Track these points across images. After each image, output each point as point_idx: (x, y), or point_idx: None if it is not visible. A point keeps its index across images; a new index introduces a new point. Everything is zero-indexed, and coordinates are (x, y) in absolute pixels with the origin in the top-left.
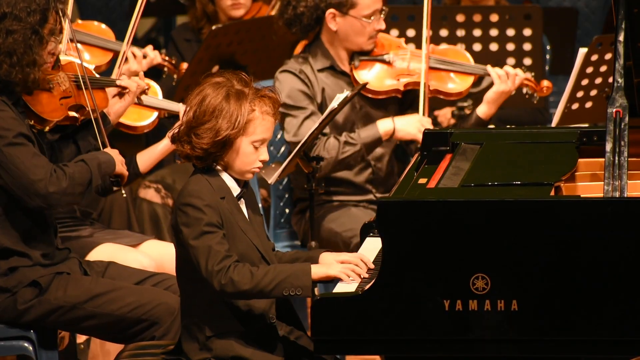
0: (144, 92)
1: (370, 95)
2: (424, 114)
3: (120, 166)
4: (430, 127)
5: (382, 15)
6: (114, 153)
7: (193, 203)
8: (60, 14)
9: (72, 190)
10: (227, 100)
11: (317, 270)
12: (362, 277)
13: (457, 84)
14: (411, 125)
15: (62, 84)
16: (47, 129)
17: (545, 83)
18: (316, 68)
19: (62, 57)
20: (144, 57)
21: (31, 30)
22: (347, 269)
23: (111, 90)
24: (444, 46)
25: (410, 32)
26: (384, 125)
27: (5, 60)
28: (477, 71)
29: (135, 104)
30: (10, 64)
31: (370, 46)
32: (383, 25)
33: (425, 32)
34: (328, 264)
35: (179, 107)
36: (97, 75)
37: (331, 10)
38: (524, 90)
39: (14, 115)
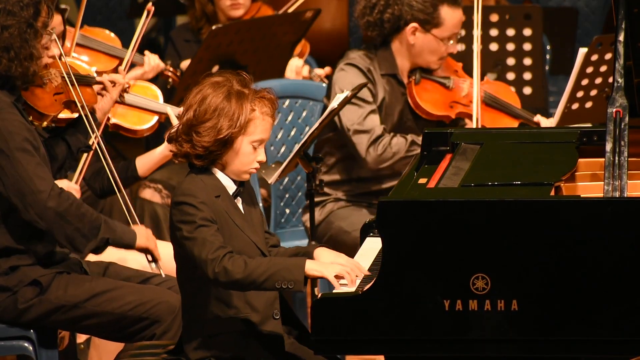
0: (125, 90)
1: (421, 115)
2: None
3: (145, 241)
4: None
5: (457, 38)
6: (140, 228)
7: (187, 201)
8: (52, 7)
9: (71, 219)
10: (228, 100)
11: (312, 267)
12: (356, 281)
13: (501, 125)
14: (322, 266)
15: (53, 80)
16: (44, 124)
17: None
18: (380, 72)
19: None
20: (145, 61)
21: (26, 24)
22: (342, 272)
23: (96, 88)
24: (495, 82)
25: None
26: None
27: (4, 55)
28: (527, 118)
29: (134, 107)
30: (9, 58)
31: (437, 66)
32: (456, 50)
33: (477, 73)
34: (325, 263)
35: (166, 109)
36: (81, 73)
37: (414, 24)
38: None
39: (22, 119)
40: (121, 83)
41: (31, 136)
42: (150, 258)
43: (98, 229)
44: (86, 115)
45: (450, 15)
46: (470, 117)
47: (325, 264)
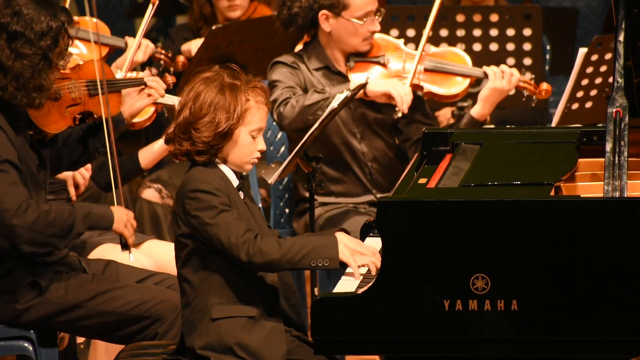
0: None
1: (367, 98)
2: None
3: (122, 227)
4: (407, 91)
5: (377, 17)
6: (119, 211)
7: (202, 188)
8: (70, 36)
9: (42, 229)
10: (222, 93)
11: (343, 250)
12: (369, 270)
13: (453, 87)
14: (386, 82)
15: (73, 91)
16: (47, 138)
17: (545, 86)
18: (311, 67)
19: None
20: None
21: (41, 55)
22: (366, 263)
23: (130, 90)
24: (442, 48)
25: (410, 32)
26: (356, 79)
27: (12, 82)
28: (473, 73)
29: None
30: (16, 87)
31: (365, 47)
32: (377, 27)
33: (427, 31)
34: (354, 251)
35: (174, 100)
36: (118, 77)
37: (324, 11)
38: (524, 92)
39: (5, 139)
40: (163, 87)
41: (12, 156)
42: (123, 242)
43: (71, 227)
44: (107, 124)
45: None
46: (416, 87)
47: (354, 251)
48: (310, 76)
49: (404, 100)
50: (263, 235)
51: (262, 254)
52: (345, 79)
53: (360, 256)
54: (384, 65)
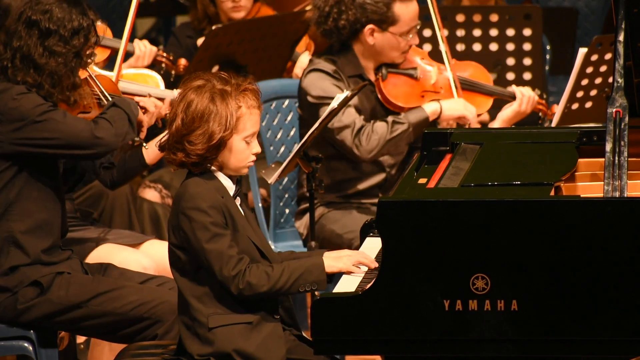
0: (161, 115)
1: (394, 110)
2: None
3: (142, 115)
4: (475, 109)
5: (416, 30)
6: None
7: (197, 206)
8: (99, 37)
9: (119, 130)
10: (213, 102)
11: (329, 264)
12: (369, 270)
13: (478, 107)
14: (458, 104)
15: (83, 98)
16: None
17: (555, 109)
18: (346, 74)
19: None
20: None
21: (74, 53)
22: (355, 262)
23: None
24: (467, 67)
25: None
26: (431, 106)
27: (47, 80)
28: (502, 93)
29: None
30: (51, 84)
31: (402, 59)
32: (417, 41)
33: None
34: (339, 257)
35: (174, 95)
36: (121, 94)
37: (371, 25)
38: (539, 114)
39: (40, 97)
40: (159, 107)
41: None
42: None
43: (129, 118)
44: None
45: (405, 11)
46: None
47: (339, 257)
48: (346, 84)
49: (475, 121)
50: (253, 264)
51: (252, 288)
52: (373, 87)
53: (347, 258)
54: (416, 79)
